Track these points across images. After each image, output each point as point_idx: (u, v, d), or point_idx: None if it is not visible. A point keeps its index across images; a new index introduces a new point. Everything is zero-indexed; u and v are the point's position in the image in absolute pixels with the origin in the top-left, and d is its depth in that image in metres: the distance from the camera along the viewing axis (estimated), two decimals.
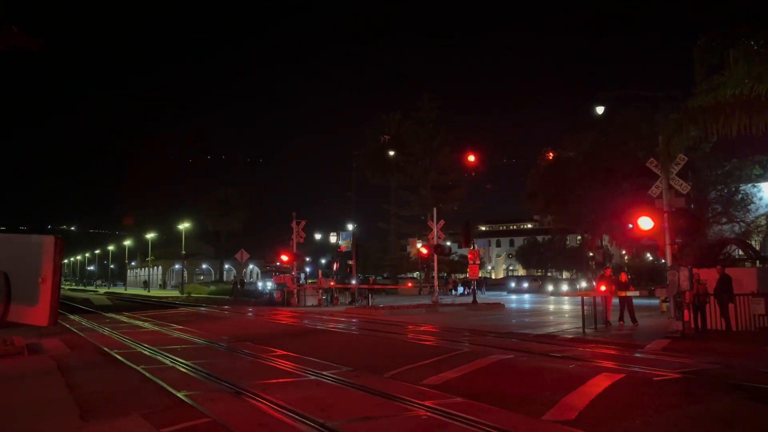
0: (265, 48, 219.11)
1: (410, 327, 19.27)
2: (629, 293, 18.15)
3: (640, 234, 15.98)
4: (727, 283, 15.36)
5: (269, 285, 58.42)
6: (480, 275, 40.04)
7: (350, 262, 41.14)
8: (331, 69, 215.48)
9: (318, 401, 7.58)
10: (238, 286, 48.29)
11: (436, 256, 31.77)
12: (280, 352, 12.67)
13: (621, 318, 18.26)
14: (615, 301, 19.22)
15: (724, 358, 11.42)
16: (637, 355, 12.51)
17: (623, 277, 20.62)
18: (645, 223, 15.41)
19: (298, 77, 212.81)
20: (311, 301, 34.69)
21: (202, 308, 33.80)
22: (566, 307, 29.51)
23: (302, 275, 45.27)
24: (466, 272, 52.01)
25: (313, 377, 9.57)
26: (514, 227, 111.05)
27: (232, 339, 15.65)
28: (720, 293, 15.37)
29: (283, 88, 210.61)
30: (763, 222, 32.56)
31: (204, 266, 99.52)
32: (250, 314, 28.28)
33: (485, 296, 42.17)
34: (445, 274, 57.72)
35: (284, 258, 35.51)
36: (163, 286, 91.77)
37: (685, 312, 14.83)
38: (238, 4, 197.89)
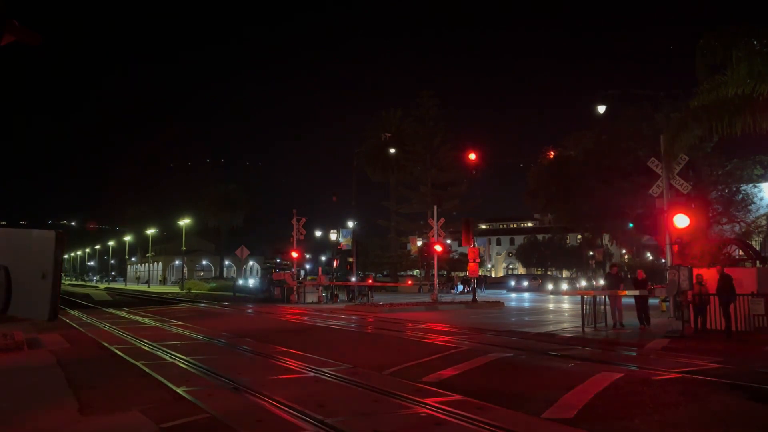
0: (267, 44, 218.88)
1: (410, 325, 19.27)
2: (629, 293, 18.00)
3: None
4: (728, 282, 15.34)
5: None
6: (480, 273, 40.00)
7: (350, 260, 41.17)
8: (332, 65, 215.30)
9: (317, 398, 7.59)
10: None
11: (436, 254, 31.78)
12: (279, 348, 12.68)
13: (641, 320, 16.82)
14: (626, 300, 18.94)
15: (723, 358, 11.42)
16: (636, 354, 12.52)
17: (640, 274, 18.57)
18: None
19: (300, 73, 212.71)
20: (311, 298, 34.71)
21: (202, 304, 33.84)
22: (566, 306, 29.51)
23: (302, 272, 45.25)
24: (466, 270, 52.06)
25: (312, 374, 9.58)
26: (515, 226, 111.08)
27: (231, 335, 15.66)
28: (722, 293, 15.33)
29: (285, 84, 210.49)
30: (764, 222, 32.51)
31: (204, 262, 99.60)
32: (249, 311, 28.31)
33: (485, 294, 42.17)
34: (445, 272, 57.73)
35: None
36: (163, 281, 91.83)
37: (687, 311, 14.80)
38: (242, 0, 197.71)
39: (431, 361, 10.99)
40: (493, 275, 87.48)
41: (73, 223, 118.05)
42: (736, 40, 13.31)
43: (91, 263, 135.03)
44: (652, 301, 21.92)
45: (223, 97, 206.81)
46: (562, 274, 79.97)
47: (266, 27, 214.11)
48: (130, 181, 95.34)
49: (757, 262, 19.72)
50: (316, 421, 6.44)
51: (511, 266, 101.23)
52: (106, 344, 13.48)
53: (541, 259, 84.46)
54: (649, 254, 53.33)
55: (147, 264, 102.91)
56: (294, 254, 35.55)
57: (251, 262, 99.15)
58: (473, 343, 14.06)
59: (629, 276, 24.80)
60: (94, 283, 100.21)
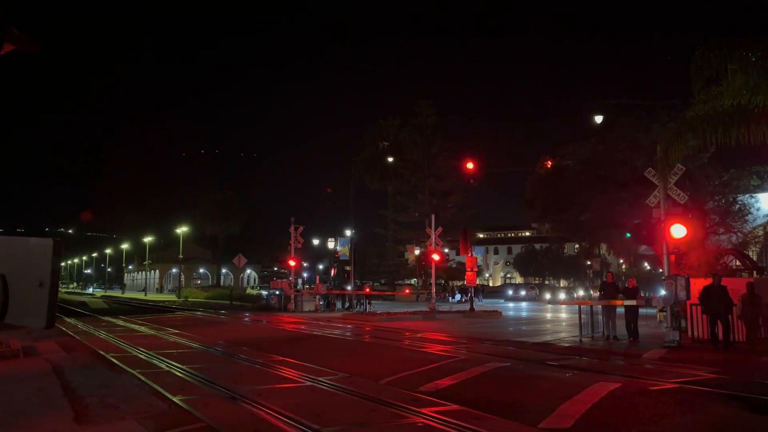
0: (264, 50, 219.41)
1: (407, 334, 19.24)
2: (626, 302, 17.88)
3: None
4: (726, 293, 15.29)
5: (264, 292, 58.44)
6: (477, 283, 39.97)
7: (348, 268, 41.16)
8: (331, 73, 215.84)
9: (313, 407, 7.57)
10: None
11: (433, 263, 31.76)
12: (276, 357, 12.64)
13: (629, 331, 16.36)
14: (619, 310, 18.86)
15: (720, 368, 11.43)
16: (634, 364, 12.51)
17: (631, 282, 18.26)
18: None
19: (298, 81, 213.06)
20: (308, 306, 34.63)
21: (199, 312, 33.73)
22: (563, 315, 29.49)
23: (300, 280, 45.19)
24: (463, 279, 51.99)
25: (308, 383, 9.56)
26: (512, 235, 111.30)
27: (228, 344, 15.61)
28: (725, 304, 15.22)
29: (283, 92, 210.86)
30: (761, 232, 32.57)
31: (201, 270, 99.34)
32: (246, 319, 28.22)
33: (482, 304, 42.11)
34: (443, 281, 57.66)
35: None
36: (160, 290, 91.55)
37: (685, 321, 14.74)
38: (240, 3, 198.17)
39: (428, 370, 10.98)
40: (490, 284, 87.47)
41: (70, 231, 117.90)
42: (732, 51, 13.39)
43: (88, 271, 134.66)
44: (650, 311, 21.94)
45: (220, 105, 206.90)
46: (559, 283, 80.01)
47: (263, 33, 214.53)
48: (127, 189, 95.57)
49: (754, 272, 19.76)
50: (312, 430, 6.43)
51: (508, 275, 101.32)
52: (102, 352, 13.41)
53: (539, 268, 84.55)
54: (646, 264, 53.36)
55: (144, 272, 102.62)
56: (291, 262, 35.53)
57: (248, 270, 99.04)
58: (470, 352, 14.04)
59: (626, 285, 24.74)
60: (90, 291, 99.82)
